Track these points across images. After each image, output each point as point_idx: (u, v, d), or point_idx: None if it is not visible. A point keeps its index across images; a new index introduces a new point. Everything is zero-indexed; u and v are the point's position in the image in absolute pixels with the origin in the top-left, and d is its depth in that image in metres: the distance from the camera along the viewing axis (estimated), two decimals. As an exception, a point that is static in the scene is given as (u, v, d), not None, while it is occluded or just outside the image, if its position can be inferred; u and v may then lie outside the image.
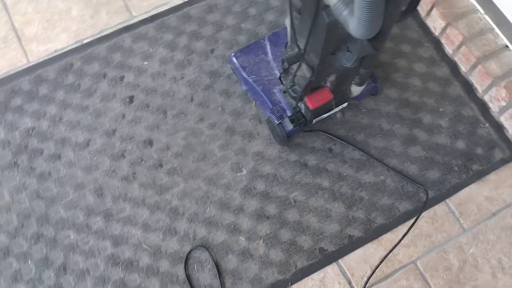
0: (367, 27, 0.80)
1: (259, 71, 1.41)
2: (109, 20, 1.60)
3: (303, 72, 1.18)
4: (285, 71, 1.20)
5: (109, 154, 1.43)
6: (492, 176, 1.41)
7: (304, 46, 1.06)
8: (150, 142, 1.44)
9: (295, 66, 1.18)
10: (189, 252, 1.32)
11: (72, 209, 1.37)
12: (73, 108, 1.48)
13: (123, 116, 1.47)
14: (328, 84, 1.26)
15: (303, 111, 1.33)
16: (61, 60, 1.54)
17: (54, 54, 1.55)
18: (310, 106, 1.25)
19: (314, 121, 1.35)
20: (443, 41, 1.56)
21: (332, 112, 1.36)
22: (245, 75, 1.41)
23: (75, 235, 1.34)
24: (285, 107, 1.35)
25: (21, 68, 1.54)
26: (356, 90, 1.35)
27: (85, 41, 1.57)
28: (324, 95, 1.26)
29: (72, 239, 1.34)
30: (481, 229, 1.36)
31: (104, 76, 1.52)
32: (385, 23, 0.86)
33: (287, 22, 1.23)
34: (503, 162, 1.43)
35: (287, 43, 1.43)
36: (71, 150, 1.43)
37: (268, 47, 1.43)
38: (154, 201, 1.38)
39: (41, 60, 1.55)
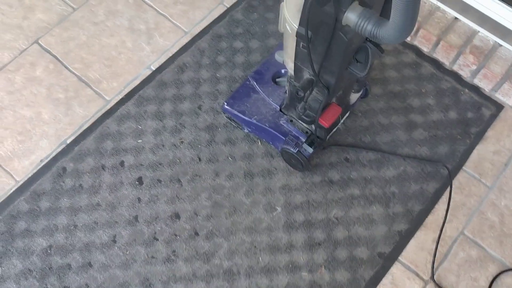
0: (406, 29, 0.84)
1: (259, 110, 1.43)
2: (85, 112, 1.54)
3: (315, 95, 1.23)
4: (301, 99, 1.23)
5: (141, 242, 1.36)
6: (490, 133, 1.54)
7: (318, 70, 1.10)
8: (177, 215, 1.40)
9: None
10: (261, 307, 1.29)
11: (126, 312, 1.28)
12: (84, 210, 1.40)
13: (139, 200, 1.42)
14: (334, 100, 1.31)
15: (315, 132, 1.37)
16: (51, 168, 1.46)
17: (41, 165, 1.46)
18: (326, 125, 1.29)
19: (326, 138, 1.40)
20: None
21: (339, 124, 1.41)
22: (247, 118, 1.42)
23: (140, 337, 1.25)
24: (297, 135, 1.38)
25: (11, 191, 1.43)
26: (354, 97, 1.41)
27: (68, 141, 1.50)
28: (335, 111, 1.30)
29: None
30: (502, 181, 1.46)
31: (103, 168, 1.46)
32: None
33: (280, 57, 1.27)
34: (493, 117, 1.56)
35: (274, 76, 1.48)
36: (100, 253, 1.35)
37: (256, 85, 1.46)
38: (205, 270, 1.33)
39: (29, 175, 1.45)
